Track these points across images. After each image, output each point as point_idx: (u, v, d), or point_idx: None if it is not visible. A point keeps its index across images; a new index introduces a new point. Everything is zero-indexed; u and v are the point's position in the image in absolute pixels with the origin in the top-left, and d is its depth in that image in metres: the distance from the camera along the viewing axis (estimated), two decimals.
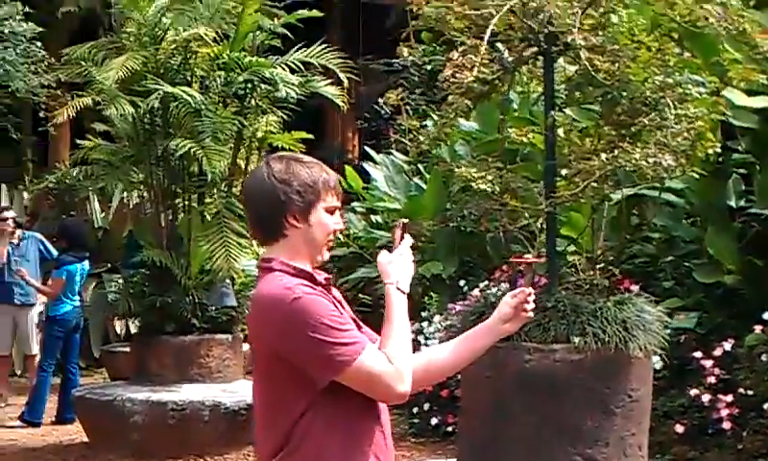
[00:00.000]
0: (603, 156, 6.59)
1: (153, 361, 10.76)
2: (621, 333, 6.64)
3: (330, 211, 3.67)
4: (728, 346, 9.32)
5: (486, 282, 10.77)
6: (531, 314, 4.01)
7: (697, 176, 7.34)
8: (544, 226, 6.90)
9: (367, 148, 15.19)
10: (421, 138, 7.73)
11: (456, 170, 6.86)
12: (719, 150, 6.88)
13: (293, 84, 10.10)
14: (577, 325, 6.63)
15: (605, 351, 6.60)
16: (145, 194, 11.12)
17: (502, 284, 10.10)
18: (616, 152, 6.55)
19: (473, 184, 6.81)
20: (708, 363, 9.26)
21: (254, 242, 10.71)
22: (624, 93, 6.80)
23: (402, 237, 3.84)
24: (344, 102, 10.79)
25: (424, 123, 14.01)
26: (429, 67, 17.82)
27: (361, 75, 19.60)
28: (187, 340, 10.74)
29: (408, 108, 16.72)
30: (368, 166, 14.03)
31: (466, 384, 7.26)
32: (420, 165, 13.21)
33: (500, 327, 4.01)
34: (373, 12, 21.87)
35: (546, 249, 6.94)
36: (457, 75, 6.43)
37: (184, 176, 10.69)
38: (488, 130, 12.05)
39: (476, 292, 10.49)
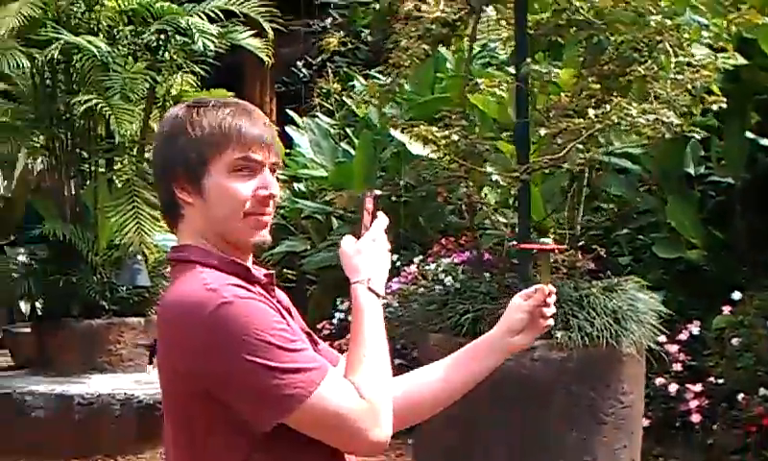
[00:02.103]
0: (591, 112, 5.16)
1: (56, 348, 9.37)
2: (612, 326, 5.24)
3: (242, 170, 2.51)
4: (694, 329, 8.03)
5: (421, 257, 9.38)
6: (551, 322, 2.87)
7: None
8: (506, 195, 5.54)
9: (289, 111, 13.66)
10: (357, 96, 6.23)
11: (414, 129, 5.36)
12: (724, 106, 5.46)
13: (211, 35, 8.53)
14: (559, 316, 5.18)
15: (593, 349, 5.20)
16: (47, 159, 9.65)
17: (442, 260, 8.72)
18: (608, 107, 5.13)
19: (433, 147, 5.37)
20: (673, 348, 7.94)
21: None
22: (612, 38, 5.39)
23: (374, 215, 2.70)
24: (268, 56, 9.26)
25: (351, 83, 12.73)
26: (352, 29, 16.57)
27: (279, 38, 18.40)
28: (95, 324, 9.28)
29: (329, 70, 15.44)
30: (290, 130, 12.53)
31: None
32: (348, 129, 11.78)
33: (508, 340, 2.87)
34: None
35: (518, 225, 5.53)
36: (422, 8, 4.92)
37: (90, 138, 9.13)
38: (421, 90, 10.68)
39: (412, 268, 9.02)
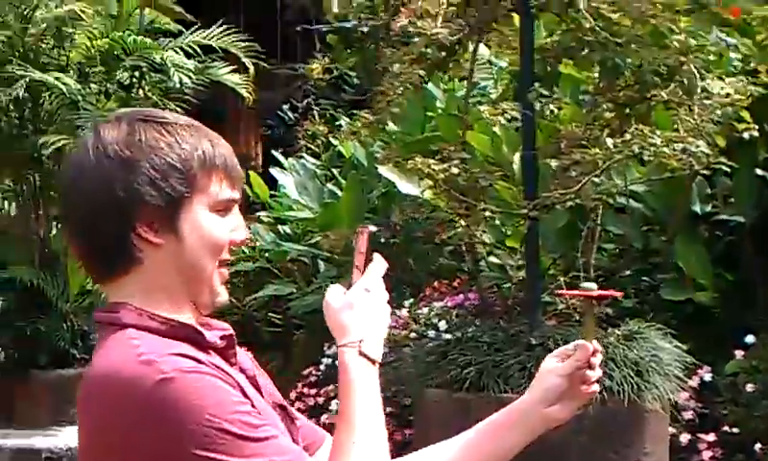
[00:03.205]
0: (609, 141, 4.50)
1: (24, 400, 8.84)
2: (633, 379, 4.57)
3: (221, 210, 2.00)
4: (705, 375, 7.40)
5: (411, 300, 8.75)
6: (596, 388, 2.25)
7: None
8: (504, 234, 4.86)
9: (274, 153, 13.07)
10: (344, 131, 5.59)
11: (409, 163, 4.68)
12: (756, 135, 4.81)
13: (188, 70, 7.88)
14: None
15: (613, 405, 4.53)
16: (15, 201, 9.12)
17: (434, 304, 8.09)
18: (628, 136, 4.47)
19: (430, 181, 4.69)
20: (684, 396, 7.33)
21: None
22: (629, 60, 4.73)
23: (368, 257, 2.08)
24: (249, 92, 8.62)
25: (338, 124, 12.18)
26: (335, 72, 16.23)
27: (259, 80, 18.01)
28: (65, 374, 8.67)
29: (315, 113, 15.08)
30: (275, 172, 11.90)
31: (418, 444, 5.10)
32: (334, 170, 11.18)
33: (542, 411, 2.24)
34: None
35: (526, 267, 4.86)
36: (419, 24, 4.26)
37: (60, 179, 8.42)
38: (410, 129, 10.07)
39: (403, 312, 8.35)
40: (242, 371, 1.99)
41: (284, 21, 17.30)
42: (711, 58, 4.67)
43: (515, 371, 4.48)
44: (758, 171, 7.87)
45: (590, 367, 2.20)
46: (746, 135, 4.65)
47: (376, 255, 2.08)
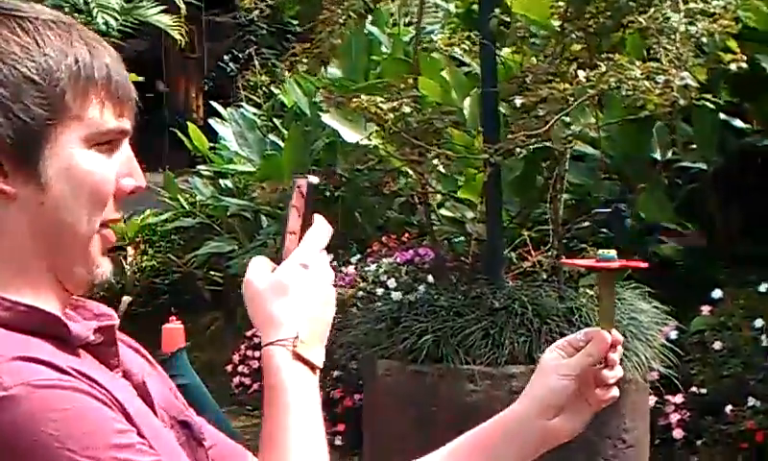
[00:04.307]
0: (581, 74, 3.83)
1: None
2: None
3: (104, 145, 1.33)
4: (671, 333, 6.86)
5: (358, 256, 8.13)
6: (616, 393, 1.60)
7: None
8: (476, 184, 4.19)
9: (213, 104, 12.35)
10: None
11: (354, 101, 3.98)
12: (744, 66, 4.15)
13: (113, 10, 7.07)
14: (543, 335, 3.87)
15: None
16: None
17: (383, 260, 7.46)
18: (603, 67, 3.81)
19: (378, 123, 4.01)
20: (648, 354, 6.80)
21: None
22: None
23: (307, 218, 1.42)
24: (182, 35, 7.85)
25: (282, 78, 11.53)
26: (279, 20, 15.71)
27: (205, 31, 17.33)
28: None
29: (257, 63, 14.42)
30: (214, 123, 11.21)
31: (369, 421, 4.43)
32: (276, 120, 10.52)
33: (541, 424, 1.62)
34: None
35: (487, 221, 4.20)
36: None
37: None
38: (354, 76, 9.41)
39: (350, 269, 7.77)
40: (126, 376, 1.36)
41: None
42: None
43: (476, 339, 3.82)
44: (721, 115, 7.36)
45: (608, 364, 1.57)
46: (733, 67, 3.99)
47: (318, 217, 1.41)
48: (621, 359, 1.95)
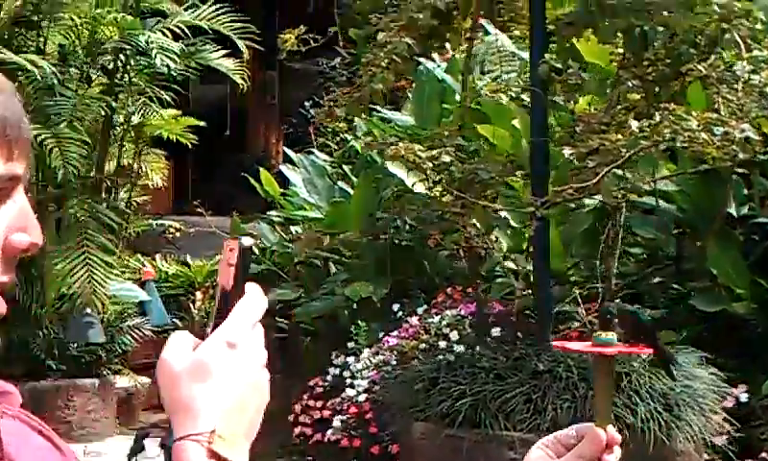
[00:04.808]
0: (634, 124, 3.56)
1: None
2: (661, 415, 3.64)
3: None
4: (741, 395, 6.56)
5: (424, 307, 7.92)
6: None
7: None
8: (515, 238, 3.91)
9: (287, 151, 12.26)
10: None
11: (391, 149, 3.74)
12: None
13: (172, 53, 6.95)
14: (589, 401, 3.60)
15: (636, 446, 3.60)
16: None
17: (447, 312, 7.26)
18: (657, 118, 3.53)
19: (419, 173, 3.77)
20: (716, 418, 6.48)
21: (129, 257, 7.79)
22: (659, 28, 3.79)
23: (238, 286, 1.17)
24: (244, 79, 7.71)
25: (355, 124, 11.44)
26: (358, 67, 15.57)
27: (283, 77, 17.31)
28: (40, 386, 7.79)
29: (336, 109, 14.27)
30: (285, 169, 11.11)
31: None
32: (345, 167, 10.38)
33: None
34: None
35: (534, 276, 3.92)
36: None
37: (36, 171, 7.56)
38: (426, 124, 9.27)
39: (414, 320, 7.54)
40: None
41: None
42: (759, 26, 3.70)
43: (517, 403, 3.55)
44: None
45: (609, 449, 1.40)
46: None
47: (251, 286, 1.17)
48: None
